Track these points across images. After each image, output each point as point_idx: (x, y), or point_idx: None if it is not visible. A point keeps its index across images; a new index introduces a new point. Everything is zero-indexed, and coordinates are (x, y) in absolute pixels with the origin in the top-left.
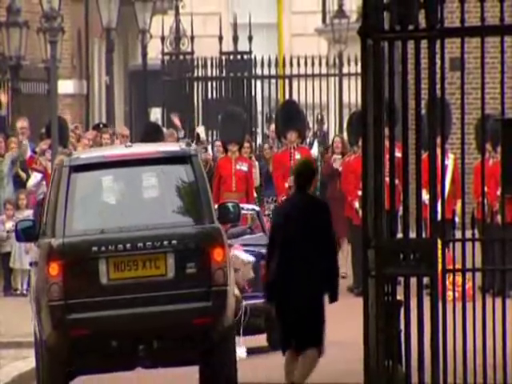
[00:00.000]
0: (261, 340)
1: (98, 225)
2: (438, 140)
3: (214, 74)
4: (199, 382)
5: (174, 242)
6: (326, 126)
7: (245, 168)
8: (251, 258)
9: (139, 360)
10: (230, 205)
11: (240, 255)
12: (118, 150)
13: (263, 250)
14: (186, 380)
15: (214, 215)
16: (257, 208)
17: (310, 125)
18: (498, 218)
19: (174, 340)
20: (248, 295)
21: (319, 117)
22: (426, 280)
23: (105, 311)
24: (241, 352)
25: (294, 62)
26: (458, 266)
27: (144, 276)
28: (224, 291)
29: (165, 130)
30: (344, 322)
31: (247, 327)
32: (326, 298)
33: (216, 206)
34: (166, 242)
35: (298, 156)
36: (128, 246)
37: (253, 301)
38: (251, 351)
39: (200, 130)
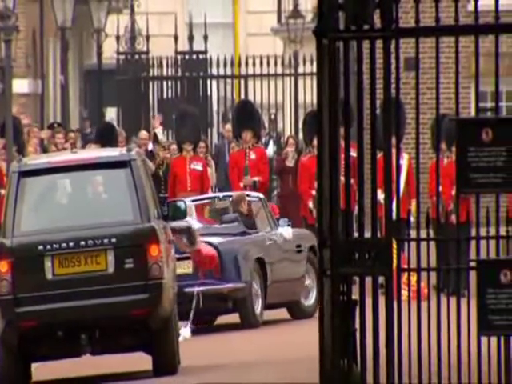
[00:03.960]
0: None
1: (44, 225)
2: (393, 140)
3: (169, 73)
4: (152, 365)
5: (113, 240)
6: (281, 126)
7: (199, 167)
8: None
9: (83, 348)
10: (178, 203)
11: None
12: (64, 156)
13: (232, 239)
14: (143, 362)
15: (151, 214)
16: (261, 196)
17: (266, 124)
18: (453, 217)
19: (115, 329)
20: (201, 282)
21: (272, 116)
22: (381, 279)
23: (51, 304)
24: (185, 332)
25: (250, 61)
26: (413, 265)
27: (86, 271)
28: (160, 284)
29: (119, 129)
30: (298, 321)
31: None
32: None
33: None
34: (106, 240)
35: (253, 156)
36: (71, 244)
37: (205, 287)
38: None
39: (157, 129)
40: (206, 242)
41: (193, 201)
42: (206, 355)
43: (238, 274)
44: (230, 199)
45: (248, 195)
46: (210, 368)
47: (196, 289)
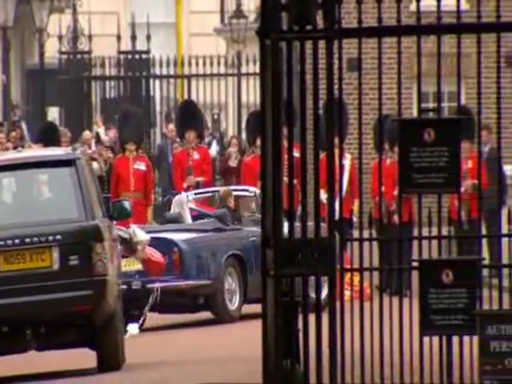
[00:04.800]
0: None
1: None
2: (336, 140)
3: (112, 73)
4: (97, 361)
5: (58, 237)
6: (224, 126)
7: (143, 167)
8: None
9: (29, 344)
10: (123, 202)
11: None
12: (10, 155)
13: (199, 235)
14: (88, 358)
15: (96, 213)
16: (251, 189)
17: (209, 124)
18: (395, 217)
19: (60, 325)
20: (161, 278)
21: (215, 116)
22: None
23: None
24: (133, 329)
25: (193, 61)
26: (356, 265)
27: (31, 268)
28: (104, 280)
29: (62, 129)
30: (242, 321)
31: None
32: None
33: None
34: (51, 238)
35: (196, 156)
36: (17, 241)
37: (164, 283)
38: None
39: (100, 130)
40: (168, 240)
41: (196, 194)
42: (161, 352)
43: (202, 271)
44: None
45: (247, 190)
46: (156, 365)
47: (156, 285)
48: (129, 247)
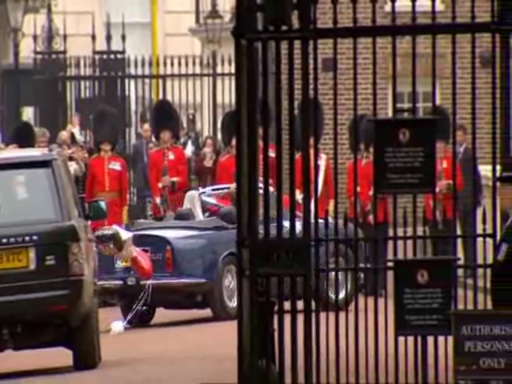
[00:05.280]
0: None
1: None
2: (311, 140)
3: (87, 73)
4: (73, 360)
5: (34, 237)
6: (199, 126)
7: (118, 167)
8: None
9: (5, 343)
10: (99, 202)
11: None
12: None
13: (196, 233)
14: (64, 357)
15: (72, 213)
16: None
17: (184, 125)
18: (371, 217)
19: (36, 325)
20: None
21: (191, 117)
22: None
23: None
24: (116, 326)
25: (168, 61)
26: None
27: (8, 268)
28: (80, 280)
29: (37, 129)
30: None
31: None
32: None
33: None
34: (27, 238)
35: (171, 156)
36: None
37: (156, 281)
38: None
39: (75, 130)
40: (161, 238)
41: (213, 190)
42: (140, 350)
43: (197, 269)
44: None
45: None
46: (132, 363)
47: (148, 282)
48: (115, 243)
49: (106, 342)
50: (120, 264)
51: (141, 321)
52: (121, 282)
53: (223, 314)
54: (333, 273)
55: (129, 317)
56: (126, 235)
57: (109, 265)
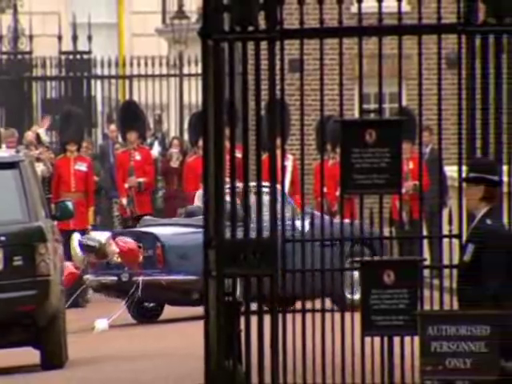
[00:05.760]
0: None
1: None
2: (278, 141)
3: (53, 73)
4: (40, 360)
5: (2, 238)
6: (166, 127)
7: (84, 168)
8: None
9: None
10: (66, 202)
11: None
12: None
13: (187, 230)
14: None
15: (39, 214)
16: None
17: (151, 125)
18: (337, 218)
19: (4, 325)
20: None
21: (157, 117)
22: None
23: None
24: (100, 324)
25: (135, 62)
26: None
27: None
28: (47, 281)
29: (2, 130)
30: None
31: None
32: None
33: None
34: None
35: (138, 157)
36: None
37: (148, 277)
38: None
39: (41, 130)
40: (152, 235)
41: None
42: (108, 349)
43: (187, 266)
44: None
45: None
46: (97, 362)
47: (139, 278)
48: (99, 254)
49: (81, 341)
50: (114, 260)
51: (149, 317)
52: (115, 278)
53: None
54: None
55: (118, 314)
56: (103, 237)
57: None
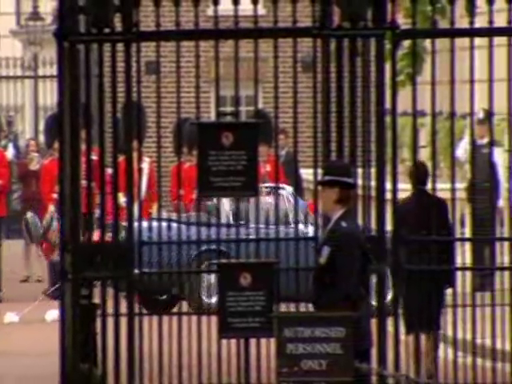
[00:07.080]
0: None
1: None
2: (135, 143)
3: None
4: None
5: None
6: (20, 128)
7: None
8: None
9: None
10: None
11: None
12: None
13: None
14: None
15: None
16: (289, 189)
17: (4, 127)
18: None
19: None
20: None
21: (9, 119)
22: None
23: None
24: (8, 317)
25: None
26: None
27: None
28: None
29: None
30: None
31: None
32: None
33: None
34: None
35: None
36: None
37: None
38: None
39: None
40: None
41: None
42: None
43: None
44: None
45: (283, 188)
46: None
47: None
48: (29, 234)
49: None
50: None
51: (163, 309)
52: None
53: (199, 309)
54: None
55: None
56: (44, 221)
57: None
